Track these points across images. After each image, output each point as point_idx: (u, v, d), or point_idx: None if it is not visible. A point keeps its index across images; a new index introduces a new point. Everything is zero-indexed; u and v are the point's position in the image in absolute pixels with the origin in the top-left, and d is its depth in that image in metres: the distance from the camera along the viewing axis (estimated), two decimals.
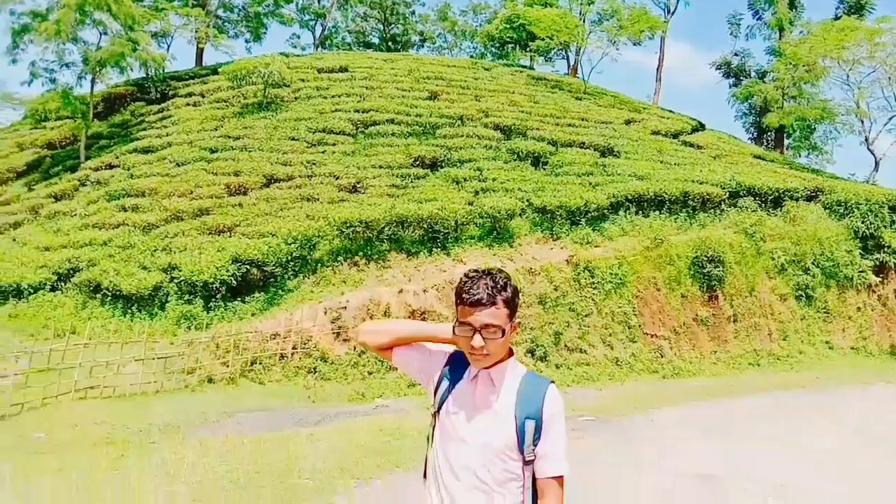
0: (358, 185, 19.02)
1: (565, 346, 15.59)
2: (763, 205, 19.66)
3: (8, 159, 26.54)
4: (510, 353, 2.41)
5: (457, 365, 2.44)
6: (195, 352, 12.91)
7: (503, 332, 2.29)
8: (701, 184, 19.36)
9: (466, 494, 2.26)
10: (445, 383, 2.41)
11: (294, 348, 13.87)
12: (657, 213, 18.28)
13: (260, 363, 13.48)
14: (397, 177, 19.39)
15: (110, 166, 22.90)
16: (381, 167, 20.04)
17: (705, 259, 17.18)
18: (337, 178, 19.40)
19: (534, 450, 2.28)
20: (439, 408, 2.39)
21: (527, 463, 2.30)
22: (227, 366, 13.01)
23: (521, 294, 2.52)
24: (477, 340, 2.28)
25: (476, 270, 2.40)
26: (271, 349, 13.71)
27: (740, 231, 18.43)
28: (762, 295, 18.27)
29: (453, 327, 2.35)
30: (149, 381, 11.85)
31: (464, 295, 2.31)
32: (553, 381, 2.42)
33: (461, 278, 2.36)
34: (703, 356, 16.84)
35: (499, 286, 2.31)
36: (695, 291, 17.34)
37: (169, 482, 5.97)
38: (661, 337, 16.79)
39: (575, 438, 8.76)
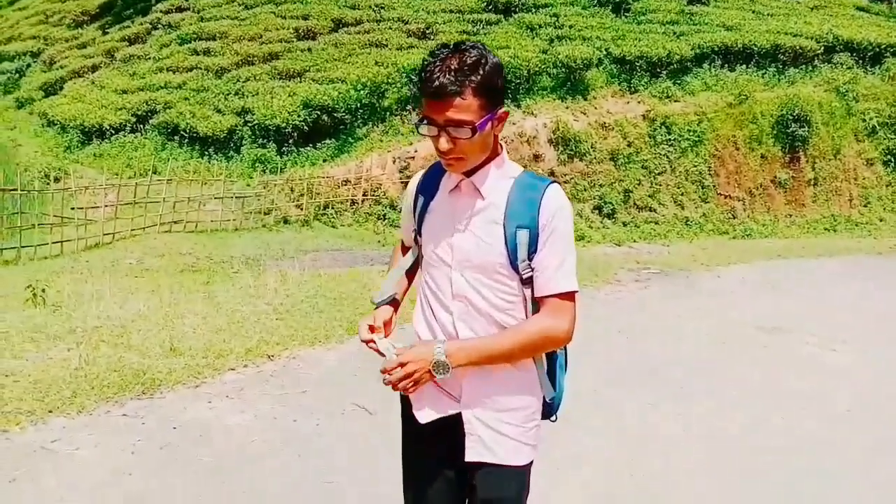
0: (427, 31, 18.43)
1: (634, 204, 15.41)
2: (860, 61, 18.19)
3: (81, 1, 26.62)
4: (497, 151, 1.85)
5: (431, 178, 1.96)
6: (271, 193, 13.34)
7: (475, 129, 1.71)
8: (794, 36, 17.97)
9: (462, 325, 1.83)
10: (420, 201, 1.94)
11: (364, 195, 14.17)
12: (744, 67, 17.21)
13: (332, 208, 13.87)
14: (468, 22, 18.66)
15: (180, 9, 22.77)
16: (451, 11, 19.28)
17: (790, 118, 16.27)
18: (406, 23, 18.83)
19: (529, 264, 1.79)
20: (419, 232, 1.95)
21: (524, 282, 1.82)
22: (302, 209, 13.45)
23: (505, 83, 1.80)
24: (443, 143, 1.74)
25: (444, 46, 1.78)
26: (342, 195, 14.05)
27: (832, 89, 17.24)
28: (847, 158, 17.36)
29: (416, 125, 1.83)
30: (228, 218, 12.41)
31: (424, 83, 1.73)
32: (556, 181, 1.85)
33: (423, 59, 1.80)
34: (777, 219, 16.40)
35: (467, 68, 1.71)
36: (776, 152, 16.61)
37: (253, 303, 6.39)
38: (735, 198, 16.36)
39: (638, 289, 8.86)
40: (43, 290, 6.15)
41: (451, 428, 1.85)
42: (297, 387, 4.64)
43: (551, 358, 1.96)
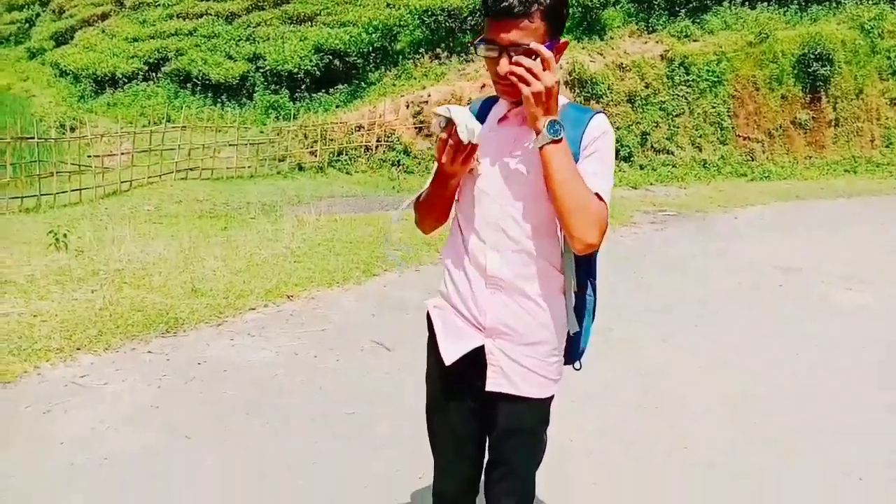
0: None
1: (652, 146, 15.23)
2: None
3: None
4: None
5: (480, 111, 1.90)
6: (284, 140, 13.32)
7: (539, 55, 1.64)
8: None
9: (494, 255, 1.79)
10: None
11: (378, 141, 14.10)
12: (765, 4, 16.73)
13: (346, 154, 13.84)
14: None
15: None
16: None
17: (812, 57, 15.85)
18: None
19: None
20: None
21: None
22: (316, 155, 13.44)
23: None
24: (503, 66, 1.67)
25: None
26: (356, 141, 13.99)
27: (856, 26, 16.71)
28: (870, 98, 16.96)
29: (475, 45, 1.74)
30: (243, 165, 12.44)
31: (491, 2, 1.67)
32: (602, 111, 1.82)
33: None
34: (796, 161, 16.16)
35: None
36: (796, 93, 16.26)
37: (271, 246, 6.46)
38: (753, 140, 16.11)
39: (655, 230, 8.84)
40: (65, 236, 6.25)
41: (475, 360, 1.86)
42: (316, 325, 4.72)
43: (580, 298, 1.93)
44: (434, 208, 1.89)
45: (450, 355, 1.87)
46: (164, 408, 3.52)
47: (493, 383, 1.85)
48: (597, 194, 1.67)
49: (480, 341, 1.85)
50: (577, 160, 1.71)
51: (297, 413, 3.55)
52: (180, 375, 3.88)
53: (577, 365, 2.01)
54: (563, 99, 1.83)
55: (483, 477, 2.07)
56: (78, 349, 4.08)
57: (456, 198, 1.90)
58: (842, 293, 6.45)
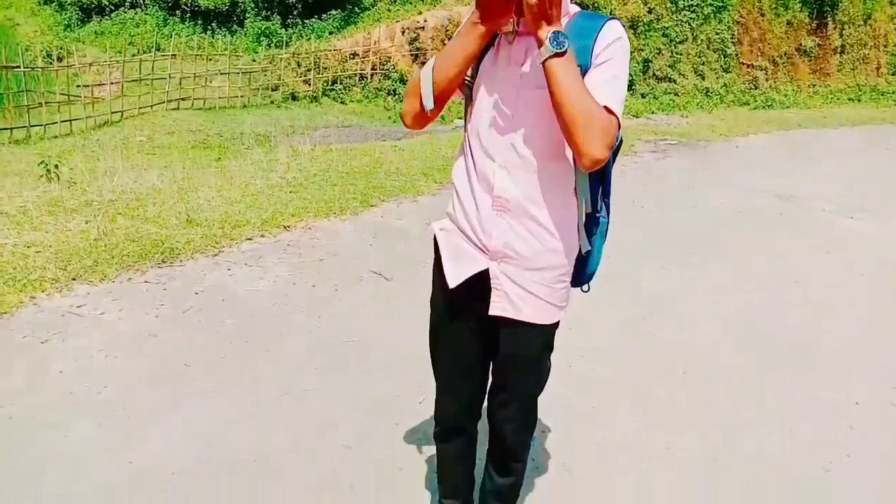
0: None
1: (654, 74, 14.91)
2: None
3: None
4: None
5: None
6: (277, 68, 12.99)
7: None
8: None
9: (502, 174, 1.70)
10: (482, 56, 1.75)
11: (373, 69, 13.77)
12: None
13: (340, 83, 13.54)
14: None
15: None
16: None
17: None
18: None
19: None
20: (472, 81, 1.78)
21: None
22: (309, 84, 13.14)
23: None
24: None
25: None
26: (351, 69, 13.66)
27: None
28: (878, 24, 16.57)
29: None
30: (235, 95, 12.18)
31: None
32: (615, 17, 1.69)
33: None
34: (800, 89, 15.89)
35: None
36: (802, 18, 15.86)
37: (266, 176, 6.36)
38: (757, 67, 15.79)
39: (655, 159, 8.73)
40: (56, 167, 6.14)
41: (481, 284, 1.81)
42: (313, 255, 4.68)
43: (593, 219, 1.86)
44: (438, 85, 1.69)
45: (454, 278, 1.82)
46: (162, 337, 3.51)
47: (497, 307, 1.81)
48: (605, 107, 1.56)
49: (485, 265, 1.79)
50: (585, 67, 1.59)
51: (296, 342, 3.55)
52: (177, 305, 3.85)
53: (585, 287, 1.97)
54: (575, 7, 1.72)
55: (486, 402, 2.07)
56: (73, 279, 4.04)
57: (467, 118, 1.82)
58: (843, 221, 6.41)
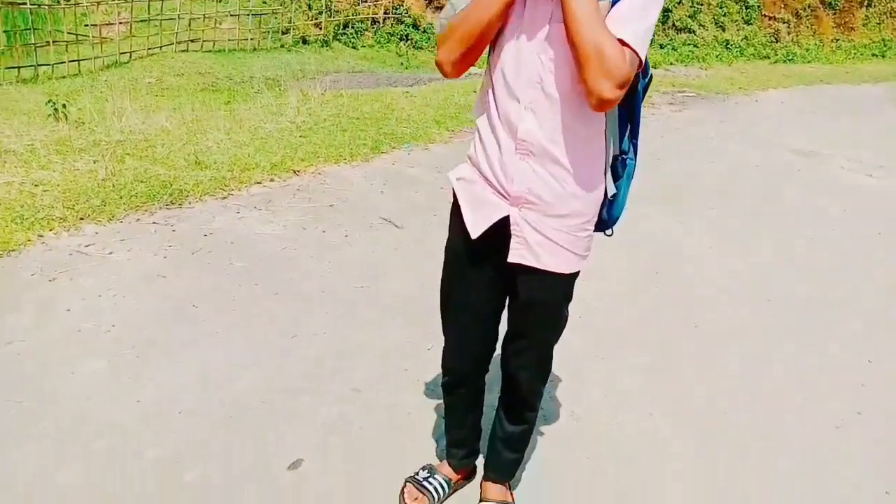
0: None
1: (673, 25, 14.52)
2: None
3: None
4: None
5: None
6: (288, 11, 12.72)
7: None
8: None
9: (528, 115, 1.62)
10: None
11: (385, 13, 13.46)
12: None
13: (352, 27, 13.25)
14: None
15: None
16: None
17: None
18: None
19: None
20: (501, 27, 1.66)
21: None
22: (320, 28, 12.87)
23: None
24: None
25: None
26: (363, 13, 13.35)
27: None
28: None
29: None
30: (245, 38, 11.95)
31: None
32: None
33: None
34: (822, 44, 15.47)
35: None
36: None
37: (276, 120, 6.27)
38: (779, 20, 15.34)
39: (672, 111, 8.55)
40: (64, 106, 6.06)
41: (500, 231, 1.75)
42: (324, 201, 4.63)
43: (619, 160, 1.78)
44: (471, 34, 1.59)
45: (476, 228, 1.76)
46: (171, 278, 3.49)
47: (516, 255, 1.75)
48: (622, 41, 1.45)
49: (506, 211, 1.72)
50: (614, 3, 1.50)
51: (306, 286, 3.52)
52: (186, 246, 3.82)
53: (608, 231, 1.91)
54: None
55: (501, 350, 2.03)
56: (81, 219, 4.01)
57: (491, 57, 1.71)
58: (861, 179, 6.29)
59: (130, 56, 10.63)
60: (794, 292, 3.89)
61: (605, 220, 1.86)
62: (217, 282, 3.49)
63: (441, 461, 2.32)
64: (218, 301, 3.31)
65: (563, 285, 1.84)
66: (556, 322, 1.94)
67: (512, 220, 1.72)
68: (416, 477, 2.24)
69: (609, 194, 1.79)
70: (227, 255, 3.76)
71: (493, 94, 1.70)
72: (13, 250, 3.60)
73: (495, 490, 2.21)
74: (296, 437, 2.46)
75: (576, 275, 1.83)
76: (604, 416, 2.72)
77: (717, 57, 13.89)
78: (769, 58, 14.45)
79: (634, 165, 1.83)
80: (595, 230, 1.84)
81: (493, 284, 1.88)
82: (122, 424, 2.46)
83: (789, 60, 14.42)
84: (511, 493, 2.24)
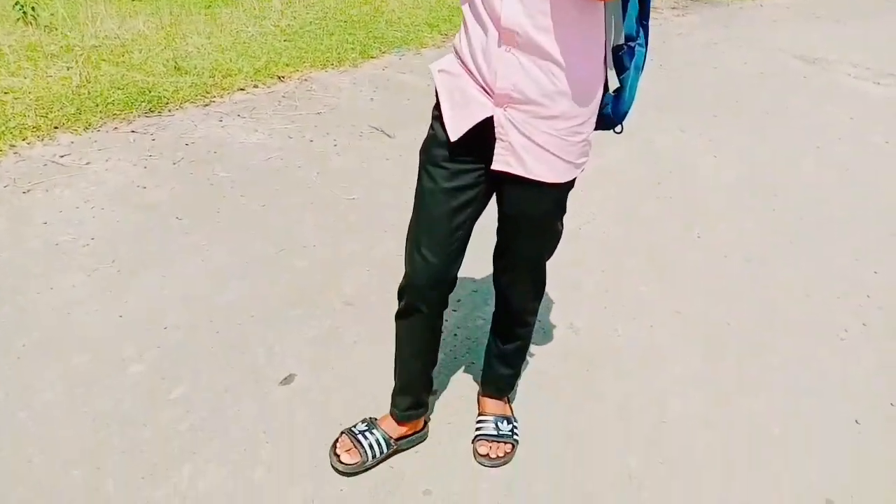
0: None
1: None
2: None
3: None
4: None
5: None
6: None
7: None
8: None
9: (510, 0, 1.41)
10: None
11: None
12: None
13: None
14: None
15: None
16: None
17: None
18: None
19: None
20: None
21: None
22: None
23: None
24: None
25: None
26: None
27: None
28: None
29: None
30: None
31: None
32: None
33: None
34: None
35: None
36: None
37: (258, 24, 5.94)
38: None
39: (675, 16, 8.19)
40: (33, 9, 5.70)
41: (484, 133, 1.54)
42: (310, 108, 4.41)
43: (628, 50, 1.53)
44: None
45: (455, 129, 1.56)
46: (152, 188, 3.33)
47: (501, 161, 1.56)
48: None
49: (490, 111, 1.52)
50: None
51: (294, 197, 3.37)
52: (167, 156, 3.64)
53: (618, 129, 1.69)
54: None
55: (493, 266, 1.90)
56: (56, 128, 3.80)
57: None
58: (868, 86, 6.07)
59: None
60: (801, 204, 3.77)
61: (611, 118, 1.64)
62: (200, 193, 3.33)
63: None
64: (202, 213, 3.16)
65: (554, 196, 1.66)
66: (547, 237, 1.79)
67: (496, 122, 1.53)
68: (353, 429, 2.00)
69: (611, 89, 1.58)
70: (211, 166, 3.59)
71: (486, 31, 1.47)
72: None
73: (492, 405, 2.14)
74: (286, 351, 2.38)
75: (570, 185, 1.65)
76: (603, 327, 2.65)
77: None
78: None
79: (645, 53, 1.59)
80: (602, 128, 1.66)
81: (471, 197, 1.67)
82: (104, 339, 2.36)
83: None
84: (510, 406, 2.17)
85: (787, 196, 3.83)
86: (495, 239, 1.85)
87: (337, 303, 2.64)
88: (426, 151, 1.70)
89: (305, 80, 4.87)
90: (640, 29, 1.55)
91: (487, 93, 1.52)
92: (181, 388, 2.19)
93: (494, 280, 1.92)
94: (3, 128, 3.72)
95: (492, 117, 1.52)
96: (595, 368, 2.43)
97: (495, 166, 1.58)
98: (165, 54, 4.95)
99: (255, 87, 4.62)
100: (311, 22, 6.12)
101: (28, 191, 3.22)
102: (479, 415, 2.14)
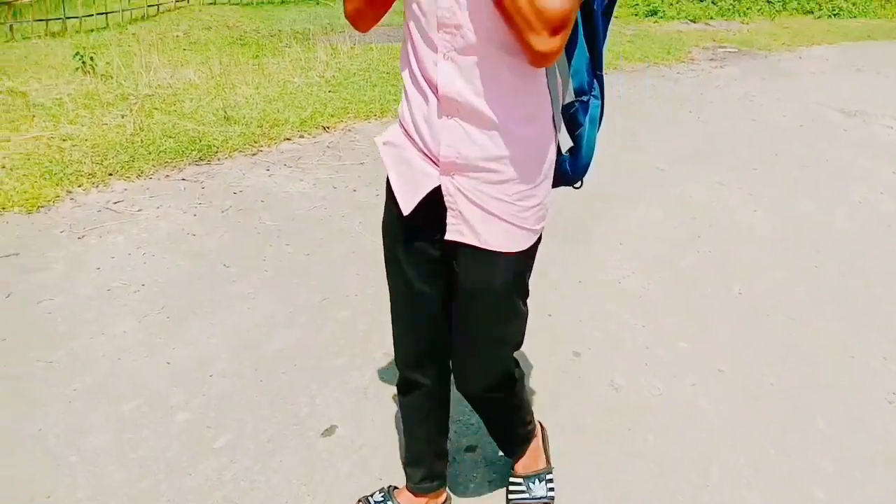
0: None
1: None
2: None
3: None
4: None
5: None
6: None
7: None
8: None
9: (446, 65, 1.37)
10: None
11: None
12: None
13: None
14: None
15: None
16: None
17: None
18: None
19: None
20: None
21: None
22: None
23: None
24: None
25: None
26: None
27: None
28: None
29: None
30: None
31: None
32: None
33: None
34: None
35: None
36: None
37: (305, 75, 6.14)
38: None
39: (713, 67, 8.24)
40: (91, 59, 5.99)
41: (436, 205, 1.50)
42: (354, 158, 4.53)
43: (582, 105, 1.48)
44: None
45: (406, 202, 1.51)
46: (201, 236, 3.44)
47: (454, 230, 1.49)
48: None
49: (437, 181, 1.47)
50: None
51: (338, 246, 3.45)
52: (216, 204, 3.76)
53: (577, 184, 1.64)
54: None
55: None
56: (110, 175, 3.97)
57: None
58: None
59: (158, 9, 10.51)
60: (841, 258, 3.73)
61: (570, 175, 1.60)
62: (247, 241, 3.43)
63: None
64: (249, 261, 3.25)
65: (512, 267, 1.54)
66: (506, 315, 1.61)
67: (444, 191, 1.47)
68: (369, 499, 1.96)
69: (564, 150, 1.56)
70: (258, 214, 3.70)
71: (412, 40, 1.43)
72: (42, 206, 3.57)
73: (520, 464, 2.04)
74: (329, 402, 2.41)
75: (528, 254, 1.56)
76: (644, 385, 2.63)
77: (758, 11, 13.35)
78: (813, 12, 13.86)
79: (601, 105, 1.53)
80: (561, 185, 1.62)
81: (437, 270, 1.61)
82: (152, 386, 2.43)
83: (835, 15, 13.82)
84: (544, 454, 2.09)
85: (829, 252, 3.79)
86: None
87: (378, 353, 2.68)
88: (385, 227, 1.67)
89: (349, 130, 5.00)
90: (594, 80, 1.51)
91: (433, 161, 1.48)
92: (226, 436, 2.23)
93: (454, 375, 1.76)
94: (62, 174, 3.90)
95: (440, 186, 1.49)
96: (636, 428, 2.41)
97: (448, 236, 1.52)
98: (215, 104, 5.15)
99: (301, 136, 4.77)
100: (354, 73, 6.31)
101: (83, 236, 3.35)
102: (511, 476, 2.06)
